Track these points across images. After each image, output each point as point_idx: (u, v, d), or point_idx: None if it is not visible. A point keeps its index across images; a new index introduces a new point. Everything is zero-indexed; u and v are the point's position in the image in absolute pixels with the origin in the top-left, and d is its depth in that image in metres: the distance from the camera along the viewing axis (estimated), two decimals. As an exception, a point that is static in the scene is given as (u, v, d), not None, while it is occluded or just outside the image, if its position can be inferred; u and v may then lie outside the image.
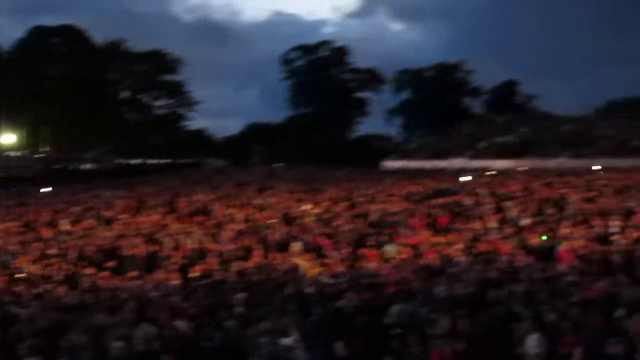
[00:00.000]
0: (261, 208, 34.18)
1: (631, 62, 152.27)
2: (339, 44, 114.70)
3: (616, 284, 13.71)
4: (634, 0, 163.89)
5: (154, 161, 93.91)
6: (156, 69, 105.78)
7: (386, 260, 20.91)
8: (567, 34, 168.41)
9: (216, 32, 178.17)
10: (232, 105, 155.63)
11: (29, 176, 73.61)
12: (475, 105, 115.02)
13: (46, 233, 30.03)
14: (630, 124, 78.45)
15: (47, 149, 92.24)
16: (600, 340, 10.00)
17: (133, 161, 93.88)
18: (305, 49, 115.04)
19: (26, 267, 22.52)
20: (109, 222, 32.16)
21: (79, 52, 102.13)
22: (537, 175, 47.19)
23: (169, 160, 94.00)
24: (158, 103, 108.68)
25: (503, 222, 26.26)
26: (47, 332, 12.20)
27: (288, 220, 29.88)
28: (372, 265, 20.21)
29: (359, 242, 23.77)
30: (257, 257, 22.04)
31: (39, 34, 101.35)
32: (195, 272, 20.24)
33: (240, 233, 26.76)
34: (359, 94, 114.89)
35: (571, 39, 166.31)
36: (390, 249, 22.18)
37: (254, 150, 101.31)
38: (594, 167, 53.34)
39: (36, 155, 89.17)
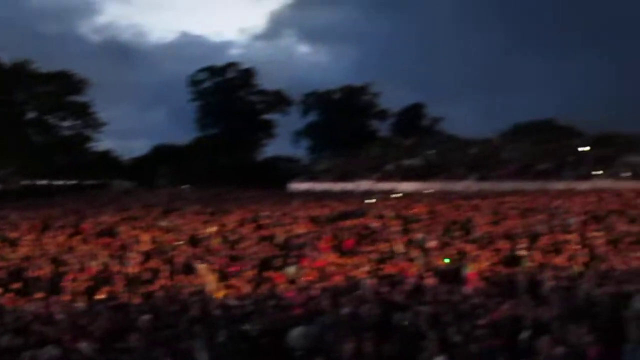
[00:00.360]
0: (167, 230, 33.89)
1: (537, 85, 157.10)
2: (246, 65, 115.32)
3: (521, 306, 14.07)
4: (542, 25, 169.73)
5: (60, 182, 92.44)
6: (62, 89, 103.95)
7: (292, 282, 20.97)
8: (474, 57, 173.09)
9: (123, 53, 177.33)
10: (139, 126, 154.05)
11: None
12: (382, 128, 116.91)
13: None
14: (536, 147, 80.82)
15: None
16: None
17: (39, 182, 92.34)
18: (212, 71, 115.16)
19: None
20: (14, 243, 31.37)
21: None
22: (444, 198, 48.09)
23: (75, 182, 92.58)
24: (64, 124, 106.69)
25: (409, 244, 26.65)
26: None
27: (194, 242, 29.71)
28: (278, 287, 20.25)
29: (265, 264, 23.80)
30: (163, 279, 21.83)
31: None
32: (100, 294, 19.92)
33: (147, 255, 26.47)
34: (266, 116, 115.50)
35: (478, 62, 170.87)
36: (292, 271, 22.30)
37: (161, 172, 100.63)
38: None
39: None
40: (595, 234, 25.85)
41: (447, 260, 22.67)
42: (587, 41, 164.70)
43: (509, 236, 26.76)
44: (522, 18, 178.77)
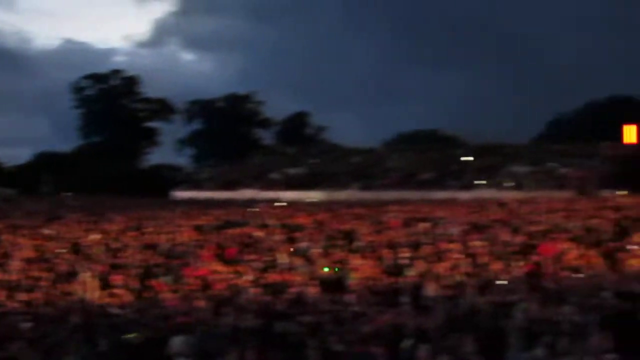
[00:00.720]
0: (50, 237, 33.10)
1: (422, 95, 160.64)
2: (129, 73, 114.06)
3: (403, 315, 14.26)
4: (429, 36, 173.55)
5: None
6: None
7: (175, 291, 20.76)
8: (360, 66, 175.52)
9: (6, 60, 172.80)
10: (22, 133, 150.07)
11: None
12: (266, 137, 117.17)
13: None
14: (419, 156, 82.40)
15: None
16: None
17: None
18: (96, 78, 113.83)
19: None
20: None
21: None
22: (327, 207, 48.42)
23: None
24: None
25: (293, 253, 26.68)
26: None
27: (76, 249, 29.10)
28: (160, 295, 20.03)
29: (148, 272, 23.50)
30: (44, 287, 21.26)
31: None
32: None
33: (28, 262, 25.77)
34: (150, 124, 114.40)
35: (364, 72, 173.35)
36: (170, 279, 22.11)
37: (43, 180, 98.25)
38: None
39: None
40: (477, 243, 26.43)
41: (326, 269, 22.80)
42: (474, 53, 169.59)
43: (392, 245, 27.10)
44: (410, 29, 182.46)
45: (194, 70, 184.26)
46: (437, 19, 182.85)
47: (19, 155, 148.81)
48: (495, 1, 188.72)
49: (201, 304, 17.31)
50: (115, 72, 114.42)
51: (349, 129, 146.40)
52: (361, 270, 22.12)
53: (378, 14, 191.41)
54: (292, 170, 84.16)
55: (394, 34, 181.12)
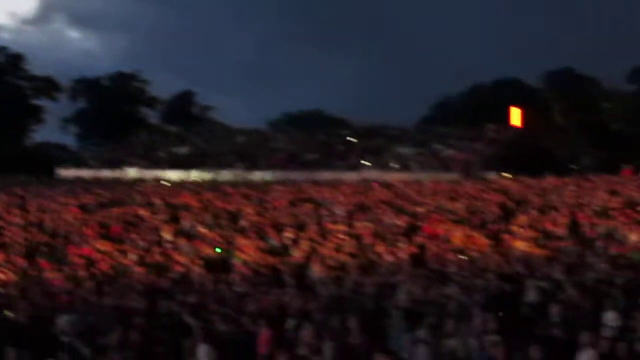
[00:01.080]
0: None
1: (309, 76, 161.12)
2: (14, 50, 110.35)
3: (287, 296, 14.40)
4: (316, 17, 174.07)
5: None
6: None
7: (59, 270, 20.51)
8: (247, 47, 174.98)
9: None
10: None
11: None
12: (152, 116, 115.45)
13: None
14: (304, 137, 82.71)
15: None
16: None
17: None
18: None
19: None
20: None
21: None
22: (213, 187, 48.20)
23: None
24: None
25: (178, 233, 26.59)
26: None
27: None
28: (44, 274, 19.77)
29: (32, 251, 23.15)
30: None
31: None
32: None
33: None
34: (35, 102, 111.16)
35: (250, 52, 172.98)
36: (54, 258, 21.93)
37: None
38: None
39: None
40: (362, 224, 26.77)
41: (217, 250, 22.82)
42: (360, 35, 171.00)
43: (277, 226, 27.25)
44: (297, 9, 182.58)
45: (80, 48, 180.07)
46: (325, 1, 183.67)
47: None
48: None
49: (85, 282, 17.16)
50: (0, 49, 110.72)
51: (235, 109, 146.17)
52: (246, 250, 22.23)
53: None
54: (177, 150, 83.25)
55: (281, 14, 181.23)
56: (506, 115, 79.81)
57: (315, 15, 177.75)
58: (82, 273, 19.50)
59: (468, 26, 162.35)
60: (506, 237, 23.35)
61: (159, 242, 24.81)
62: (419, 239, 23.26)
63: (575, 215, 26.91)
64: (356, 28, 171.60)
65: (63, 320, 12.95)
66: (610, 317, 11.47)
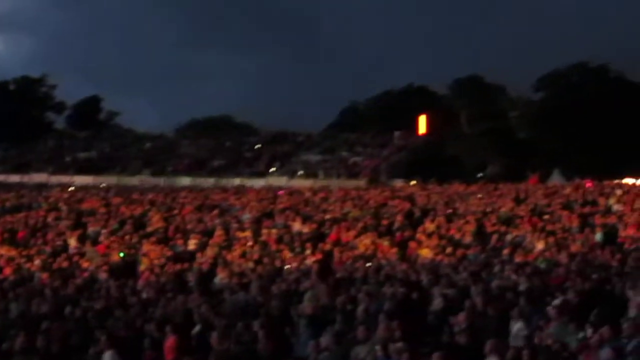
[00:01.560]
0: None
1: (217, 81, 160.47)
2: None
3: (193, 302, 14.36)
4: (221, 19, 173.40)
5: None
6: None
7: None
8: (155, 51, 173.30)
9: None
10: None
11: None
12: (59, 120, 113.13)
13: None
14: (212, 143, 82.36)
15: None
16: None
17: None
18: None
19: None
20: None
21: None
22: (119, 192, 47.59)
23: None
24: None
25: (83, 238, 26.22)
26: None
27: None
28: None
29: None
30: None
31: None
32: None
33: None
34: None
35: (156, 56, 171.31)
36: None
37: None
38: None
39: None
40: (269, 231, 26.79)
41: (121, 255, 22.60)
42: (271, 39, 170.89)
43: (183, 232, 27.10)
44: (206, 13, 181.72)
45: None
46: (235, 6, 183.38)
47: None
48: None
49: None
50: None
51: (142, 114, 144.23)
52: (152, 256, 22.07)
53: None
54: (83, 155, 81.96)
55: (191, 18, 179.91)
56: (414, 123, 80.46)
57: (225, 19, 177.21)
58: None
59: (378, 31, 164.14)
60: (412, 244, 23.62)
61: (65, 248, 24.41)
62: (325, 246, 23.38)
63: (481, 223, 27.41)
64: (268, 32, 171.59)
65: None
66: (516, 325, 11.58)
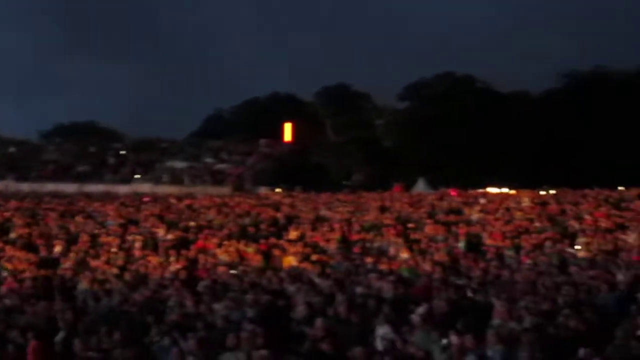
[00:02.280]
0: None
1: (81, 87, 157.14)
2: None
3: (56, 308, 14.32)
4: (86, 27, 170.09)
5: None
6: None
7: None
8: (18, 57, 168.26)
9: None
10: None
11: None
12: None
13: None
14: (76, 148, 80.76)
15: None
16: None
17: None
18: None
19: None
20: None
21: None
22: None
23: None
24: None
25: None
26: None
27: None
28: None
29: None
30: None
31: None
32: None
33: None
34: None
35: (20, 63, 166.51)
36: None
37: None
38: None
39: None
40: (133, 237, 26.63)
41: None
42: (137, 48, 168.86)
43: (47, 238, 26.68)
44: (72, 21, 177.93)
45: None
46: (101, 13, 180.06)
47: None
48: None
49: None
50: None
51: (6, 119, 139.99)
52: (16, 262, 21.71)
53: (38, 4, 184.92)
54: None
55: (57, 25, 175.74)
56: (280, 131, 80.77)
57: (91, 28, 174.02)
58: None
59: (245, 39, 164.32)
60: (277, 252, 23.71)
61: None
62: (190, 253, 23.39)
63: (346, 231, 27.92)
64: (133, 41, 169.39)
65: None
66: (381, 332, 11.65)
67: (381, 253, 23.47)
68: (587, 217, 29.16)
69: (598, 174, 54.79)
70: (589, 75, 78.15)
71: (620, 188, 44.37)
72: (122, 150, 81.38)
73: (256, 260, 22.54)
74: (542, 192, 44.93)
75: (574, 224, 27.57)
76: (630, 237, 23.84)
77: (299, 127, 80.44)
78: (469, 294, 14.60)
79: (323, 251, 24.23)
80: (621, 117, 68.19)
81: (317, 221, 31.10)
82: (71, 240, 26.16)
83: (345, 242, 25.95)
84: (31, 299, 15.88)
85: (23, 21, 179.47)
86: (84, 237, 26.46)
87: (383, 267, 20.12)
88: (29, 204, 39.73)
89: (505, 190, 53.16)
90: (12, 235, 27.88)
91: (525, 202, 36.72)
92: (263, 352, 10.53)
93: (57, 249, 24.61)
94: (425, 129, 74.90)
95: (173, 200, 43.15)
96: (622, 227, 26.37)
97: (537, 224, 28.26)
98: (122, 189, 60.59)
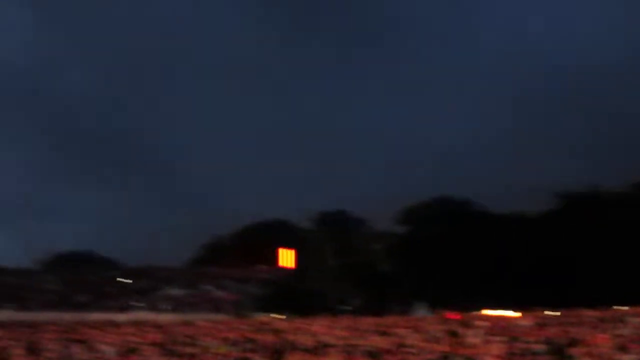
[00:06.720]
0: None
1: (79, 216, 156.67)
2: None
3: None
4: (75, 153, 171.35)
5: None
6: None
7: None
8: (14, 185, 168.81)
9: None
10: None
11: None
12: None
13: None
14: (75, 277, 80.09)
15: None
16: None
17: None
18: None
19: None
20: None
21: None
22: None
23: None
24: None
25: None
26: None
27: None
28: None
29: None
30: None
31: None
32: None
33: None
34: None
35: (13, 189, 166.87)
36: None
37: None
38: None
39: None
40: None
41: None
42: (127, 175, 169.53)
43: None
44: (62, 147, 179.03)
45: None
46: (87, 136, 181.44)
47: None
48: (143, 120, 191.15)
49: None
50: None
51: (3, 248, 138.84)
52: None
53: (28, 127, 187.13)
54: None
55: (49, 151, 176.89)
56: (277, 257, 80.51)
57: (80, 154, 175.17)
58: None
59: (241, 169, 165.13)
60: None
61: None
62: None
63: (347, 356, 26.86)
64: (125, 168, 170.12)
65: None
66: None
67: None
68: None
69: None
70: (583, 195, 77.77)
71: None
72: (120, 278, 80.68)
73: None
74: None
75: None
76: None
77: (297, 253, 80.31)
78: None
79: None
80: (615, 235, 67.35)
81: (317, 347, 30.11)
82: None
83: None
84: None
85: (14, 146, 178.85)
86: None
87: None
88: (29, 334, 38.62)
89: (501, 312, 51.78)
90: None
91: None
92: None
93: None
94: (421, 252, 74.29)
95: (173, 328, 42.23)
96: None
97: None
98: (122, 317, 59.50)
